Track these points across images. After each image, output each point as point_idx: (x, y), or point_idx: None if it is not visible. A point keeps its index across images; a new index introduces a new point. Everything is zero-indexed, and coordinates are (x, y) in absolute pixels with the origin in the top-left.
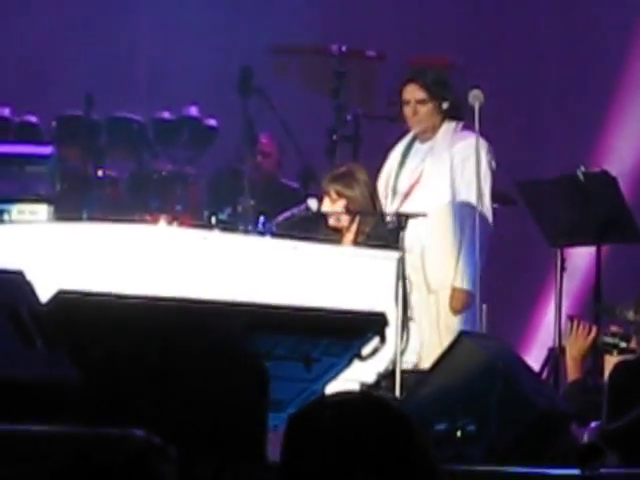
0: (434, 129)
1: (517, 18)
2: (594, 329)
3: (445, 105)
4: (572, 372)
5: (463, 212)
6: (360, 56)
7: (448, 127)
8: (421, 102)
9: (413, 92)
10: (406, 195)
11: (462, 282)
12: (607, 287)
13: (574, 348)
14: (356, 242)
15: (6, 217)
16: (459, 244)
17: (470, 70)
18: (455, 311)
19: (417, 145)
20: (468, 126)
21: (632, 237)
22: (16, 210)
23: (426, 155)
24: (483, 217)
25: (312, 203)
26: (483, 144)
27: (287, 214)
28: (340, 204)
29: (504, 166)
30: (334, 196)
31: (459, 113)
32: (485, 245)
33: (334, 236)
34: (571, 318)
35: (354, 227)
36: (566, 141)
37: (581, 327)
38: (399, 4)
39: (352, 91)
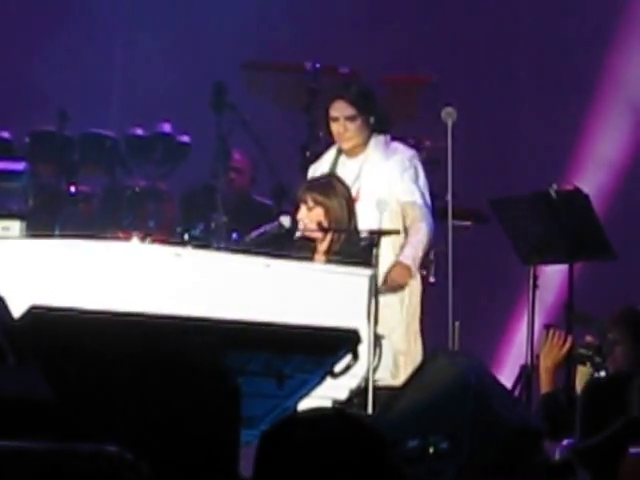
0: (364, 144)
1: (491, 35)
2: (569, 339)
3: (372, 119)
4: (545, 383)
5: (407, 212)
6: (333, 73)
7: (377, 141)
8: (350, 118)
9: (342, 109)
10: None
11: (405, 258)
12: (579, 304)
13: (548, 358)
14: (328, 254)
15: None
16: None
17: (443, 87)
18: (392, 282)
19: (344, 160)
20: (394, 137)
21: (604, 254)
22: None
23: (360, 171)
24: (428, 213)
25: (285, 220)
26: (415, 154)
27: (260, 231)
28: (316, 212)
29: (476, 184)
30: (310, 204)
31: (386, 126)
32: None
33: (307, 248)
34: (547, 327)
35: (328, 238)
36: (539, 159)
37: (556, 337)
38: (372, 21)
39: (325, 108)
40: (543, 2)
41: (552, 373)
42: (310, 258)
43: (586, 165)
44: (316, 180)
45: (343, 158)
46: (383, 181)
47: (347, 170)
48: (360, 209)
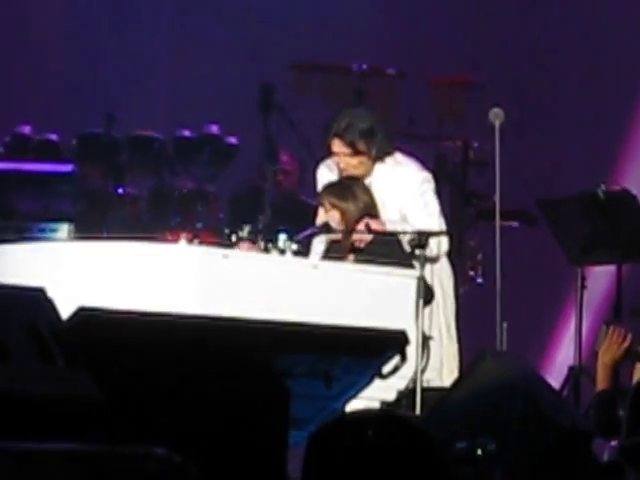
0: (369, 172)
1: (537, 37)
2: (629, 336)
3: (374, 152)
4: (602, 380)
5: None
6: (380, 74)
7: (381, 167)
8: (349, 156)
9: (340, 147)
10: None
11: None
12: (627, 305)
13: (607, 355)
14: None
15: (27, 235)
16: None
17: (491, 88)
18: (366, 227)
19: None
20: (399, 149)
21: None
22: (37, 228)
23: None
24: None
25: (332, 222)
26: (427, 177)
27: (307, 232)
28: (332, 215)
29: (524, 184)
30: (327, 206)
31: (390, 149)
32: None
33: (341, 249)
34: (607, 323)
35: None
36: (586, 160)
37: (616, 333)
38: (420, 22)
39: (372, 109)
40: (591, 4)
41: (610, 370)
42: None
43: (634, 166)
44: (336, 183)
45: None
46: (392, 205)
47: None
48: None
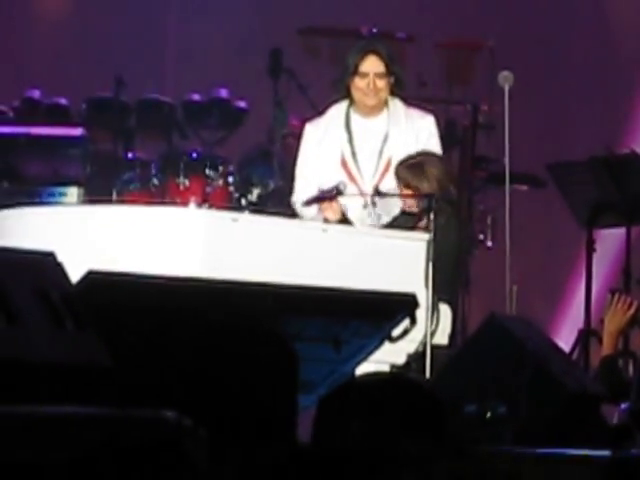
0: (385, 104)
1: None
2: (635, 304)
3: (392, 80)
4: (607, 347)
5: None
6: (390, 38)
7: (396, 103)
8: (379, 75)
9: (373, 65)
10: (382, 176)
11: None
12: (637, 269)
13: (612, 322)
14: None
15: (36, 199)
16: None
17: (500, 52)
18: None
19: (359, 120)
20: (407, 102)
21: None
22: (46, 192)
23: (386, 135)
24: None
25: (341, 184)
26: (434, 120)
27: (316, 194)
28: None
29: (533, 148)
30: (401, 184)
31: (403, 89)
32: None
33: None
34: (612, 292)
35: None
36: (595, 123)
37: (621, 301)
38: None
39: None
40: None
41: (615, 337)
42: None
43: None
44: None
45: (357, 117)
46: (411, 143)
47: (369, 130)
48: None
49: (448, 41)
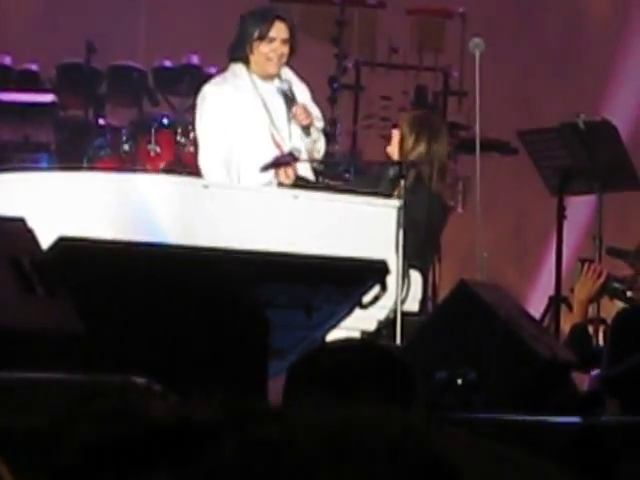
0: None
1: None
2: (604, 273)
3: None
4: (577, 315)
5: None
6: (361, 4)
7: (285, 69)
8: (285, 42)
9: (280, 30)
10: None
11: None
12: (608, 236)
13: (582, 291)
14: None
15: (7, 165)
16: None
17: (470, 18)
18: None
19: (262, 84)
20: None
21: (632, 184)
22: (17, 158)
23: (290, 98)
24: None
25: (295, 150)
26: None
27: (272, 160)
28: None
29: (504, 115)
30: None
31: (291, 57)
32: None
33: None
34: (582, 261)
35: None
36: (566, 90)
37: (591, 270)
38: None
39: (352, 39)
40: None
41: (585, 306)
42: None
43: (615, 97)
44: (426, 117)
45: (259, 81)
46: (308, 104)
47: (274, 94)
48: (297, 130)
49: (419, 7)
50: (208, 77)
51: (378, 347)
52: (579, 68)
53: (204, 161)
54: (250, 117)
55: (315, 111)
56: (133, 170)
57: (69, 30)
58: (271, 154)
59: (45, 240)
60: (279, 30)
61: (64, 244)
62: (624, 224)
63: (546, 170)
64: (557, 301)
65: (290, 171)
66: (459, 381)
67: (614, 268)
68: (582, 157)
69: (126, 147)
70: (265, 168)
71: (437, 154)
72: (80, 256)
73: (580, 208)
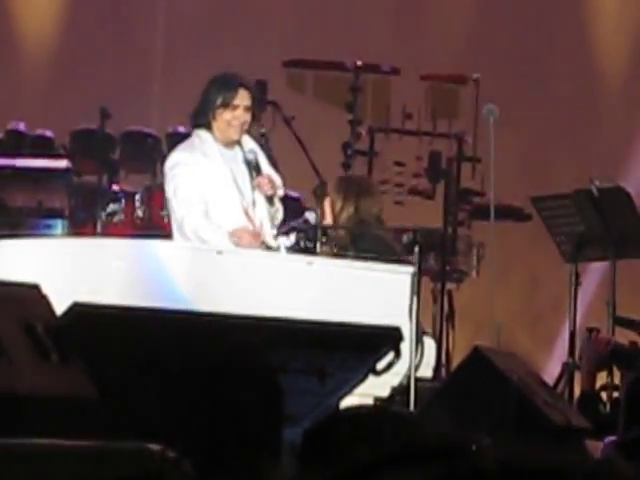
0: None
1: (531, 33)
2: (612, 341)
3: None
4: (585, 384)
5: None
6: (375, 70)
7: (244, 136)
8: (247, 109)
9: (244, 98)
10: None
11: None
12: (621, 303)
13: (591, 360)
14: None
15: (21, 230)
16: None
17: (484, 85)
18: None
19: (225, 152)
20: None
21: None
22: (31, 224)
23: (253, 164)
24: None
25: (310, 216)
26: None
27: (286, 227)
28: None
29: (518, 181)
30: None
31: (251, 124)
32: None
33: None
34: (589, 330)
35: None
36: (579, 155)
37: (598, 340)
38: (414, 19)
39: (366, 105)
40: (583, 4)
41: (593, 375)
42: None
43: (628, 162)
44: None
45: (222, 149)
46: (270, 172)
47: (236, 161)
48: (260, 198)
49: (433, 74)
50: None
51: (392, 413)
52: (593, 133)
53: (193, 223)
54: (219, 184)
55: (277, 180)
56: (147, 236)
57: (83, 96)
58: (240, 221)
59: (59, 306)
60: (242, 97)
61: (78, 310)
62: (638, 290)
63: (560, 236)
64: (571, 367)
65: (256, 238)
66: (473, 447)
67: (625, 335)
68: (596, 224)
69: (140, 213)
70: (285, 233)
71: (367, 212)
72: (94, 322)
73: (594, 274)
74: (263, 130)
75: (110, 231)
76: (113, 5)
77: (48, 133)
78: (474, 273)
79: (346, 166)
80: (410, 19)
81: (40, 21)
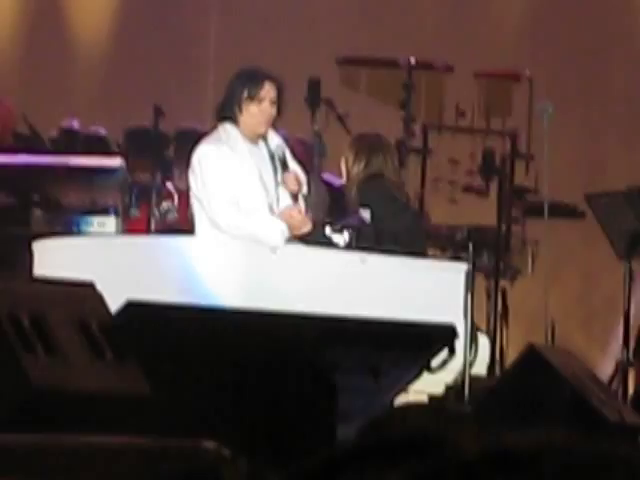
0: None
1: (584, 29)
2: None
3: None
4: (639, 380)
5: None
6: (428, 68)
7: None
8: (273, 102)
9: (270, 91)
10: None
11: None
12: None
13: None
14: None
15: (75, 229)
16: None
17: (538, 82)
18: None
19: (250, 146)
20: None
21: None
22: (84, 221)
23: (280, 160)
24: None
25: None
26: None
27: (341, 223)
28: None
29: (572, 178)
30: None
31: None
32: None
33: None
34: None
35: None
36: (633, 153)
37: None
38: (468, 16)
39: (420, 103)
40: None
41: None
42: None
43: None
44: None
45: (249, 142)
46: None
47: (264, 159)
48: (284, 194)
49: (486, 71)
50: None
51: (447, 411)
52: None
53: (219, 211)
54: (246, 178)
55: (302, 177)
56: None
57: (136, 94)
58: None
59: (114, 304)
60: (268, 90)
61: (132, 308)
62: None
63: (614, 234)
64: (624, 365)
65: (306, 222)
66: (453, 439)
67: None
68: None
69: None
70: (339, 230)
71: (378, 167)
72: (148, 320)
73: None
74: (316, 128)
75: (163, 229)
76: (166, 4)
77: (102, 131)
78: (528, 271)
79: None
80: (463, 16)
81: (94, 20)
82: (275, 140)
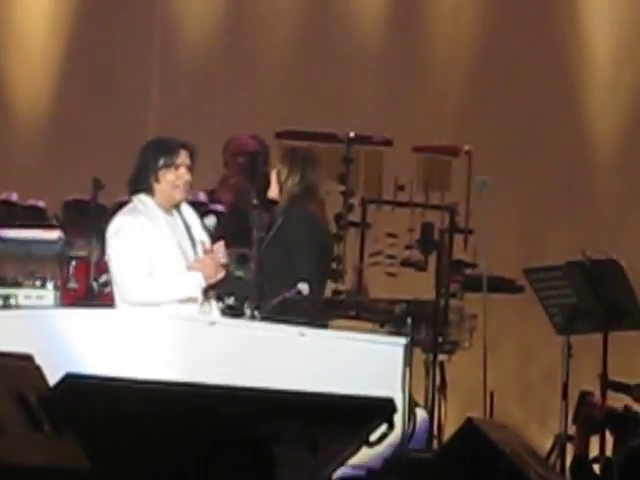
0: None
1: (523, 104)
2: (605, 407)
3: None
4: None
5: None
6: (367, 142)
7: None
8: (189, 169)
9: (185, 158)
10: None
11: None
12: (614, 373)
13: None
14: None
15: (12, 302)
16: None
17: (476, 156)
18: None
19: (167, 218)
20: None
21: (638, 325)
22: (22, 295)
23: (189, 225)
24: None
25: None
26: None
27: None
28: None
29: (510, 252)
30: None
31: None
32: None
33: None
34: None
35: None
36: (572, 227)
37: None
38: (406, 92)
39: (359, 177)
40: (576, 74)
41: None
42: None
43: (621, 235)
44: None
45: (164, 214)
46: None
47: (175, 226)
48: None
49: (425, 145)
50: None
51: None
52: (585, 205)
53: (131, 284)
54: (165, 249)
55: (221, 249)
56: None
57: (75, 167)
58: None
59: (52, 377)
60: (184, 157)
61: (71, 381)
62: (630, 363)
63: (552, 308)
64: (563, 439)
65: (219, 270)
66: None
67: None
68: (588, 296)
69: None
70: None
71: (311, 181)
72: (87, 393)
73: (586, 345)
74: (255, 202)
75: (103, 301)
76: (106, 77)
77: (40, 203)
78: (466, 344)
79: (338, 237)
80: (402, 91)
81: (32, 92)
82: (187, 209)
